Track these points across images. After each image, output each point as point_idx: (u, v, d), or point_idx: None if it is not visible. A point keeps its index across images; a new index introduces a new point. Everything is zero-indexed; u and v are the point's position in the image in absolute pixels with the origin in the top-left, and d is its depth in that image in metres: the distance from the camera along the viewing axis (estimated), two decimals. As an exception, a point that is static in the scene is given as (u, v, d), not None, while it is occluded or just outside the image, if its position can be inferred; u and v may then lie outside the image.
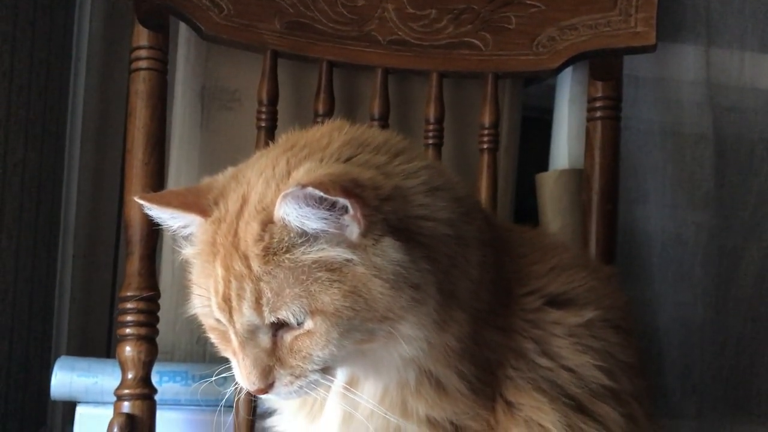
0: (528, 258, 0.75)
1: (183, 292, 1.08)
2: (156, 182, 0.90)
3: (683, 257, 1.22)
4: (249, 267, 0.60)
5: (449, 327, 0.65)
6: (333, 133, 0.68)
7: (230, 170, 0.69)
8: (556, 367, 0.70)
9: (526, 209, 1.21)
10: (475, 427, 0.69)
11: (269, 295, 0.59)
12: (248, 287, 0.60)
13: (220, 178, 0.68)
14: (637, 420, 0.74)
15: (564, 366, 0.71)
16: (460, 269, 0.66)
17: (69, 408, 1.03)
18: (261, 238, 0.60)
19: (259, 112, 0.99)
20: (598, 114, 1.03)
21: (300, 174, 0.61)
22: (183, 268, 1.08)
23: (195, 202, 0.65)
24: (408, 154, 0.68)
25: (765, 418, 1.25)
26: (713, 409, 1.23)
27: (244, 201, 0.63)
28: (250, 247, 0.60)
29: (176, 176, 1.08)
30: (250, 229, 0.60)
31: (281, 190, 0.60)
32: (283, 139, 0.71)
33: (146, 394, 0.87)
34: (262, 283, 0.60)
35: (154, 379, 0.90)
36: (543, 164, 1.23)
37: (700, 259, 1.24)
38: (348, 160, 0.64)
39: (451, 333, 0.65)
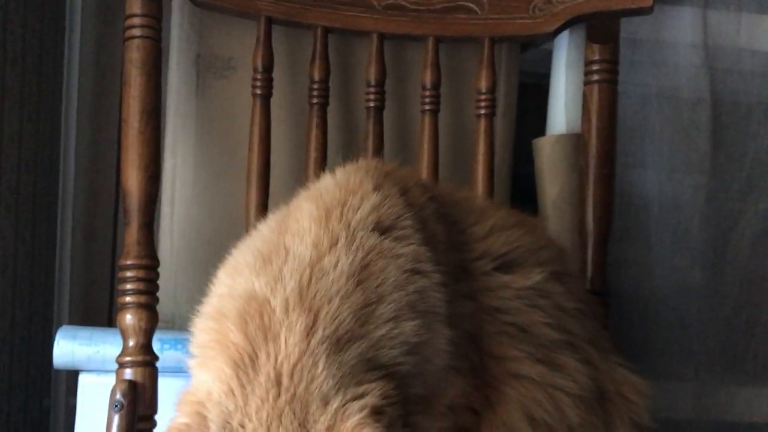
0: (465, 221, 0.76)
1: (182, 260, 1.10)
2: (152, 151, 0.90)
3: (680, 221, 1.23)
4: None
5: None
6: (295, 325, 0.60)
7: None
8: (513, 326, 0.72)
9: (525, 175, 1.21)
10: (463, 402, 0.70)
11: None
12: None
13: None
14: (593, 362, 0.77)
15: (516, 325, 0.72)
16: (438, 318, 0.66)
17: (73, 380, 1.04)
18: None
19: (255, 79, 0.99)
20: (595, 77, 1.02)
21: None
22: (182, 237, 1.10)
23: None
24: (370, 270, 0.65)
25: (761, 379, 1.27)
26: (710, 370, 1.24)
27: None
28: None
29: (173, 146, 1.08)
30: None
31: None
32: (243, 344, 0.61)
33: (147, 361, 0.88)
34: None
35: (156, 346, 0.91)
36: (542, 131, 1.22)
37: (697, 222, 1.24)
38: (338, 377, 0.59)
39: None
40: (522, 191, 1.19)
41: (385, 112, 1.03)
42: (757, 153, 1.24)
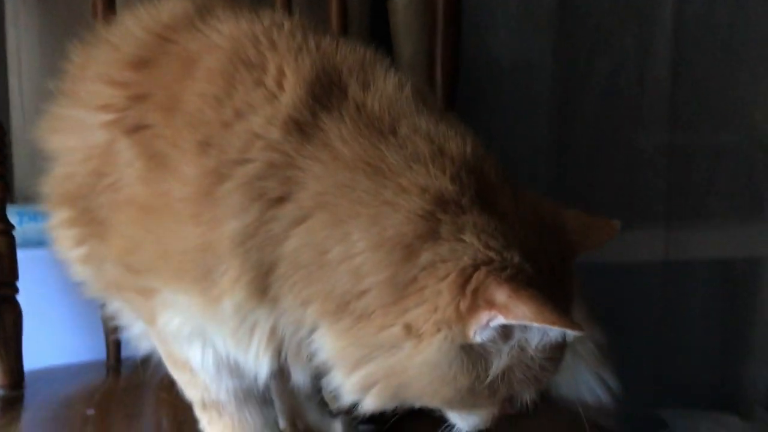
0: None
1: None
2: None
3: (531, 81, 1.29)
4: None
5: None
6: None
7: None
8: None
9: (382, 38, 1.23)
10: None
11: None
12: None
13: None
14: None
15: None
16: None
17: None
18: None
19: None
20: (441, -65, 1.03)
21: None
22: (34, 112, 1.07)
23: None
24: None
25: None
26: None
27: None
28: None
29: (14, 14, 1.04)
30: None
31: None
32: None
33: (2, 230, 0.88)
34: None
35: (15, 220, 0.91)
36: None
37: (548, 81, 1.31)
38: None
39: None
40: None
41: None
42: (603, 11, 1.30)
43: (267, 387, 0.68)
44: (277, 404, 0.73)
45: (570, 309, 0.59)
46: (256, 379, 0.64)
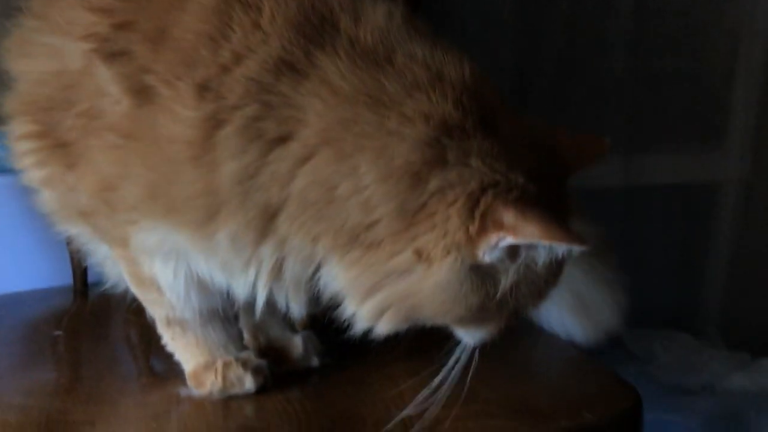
0: None
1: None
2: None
3: (494, 6, 1.28)
4: None
5: None
6: None
7: None
8: None
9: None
10: None
11: None
12: None
13: None
14: None
15: None
16: None
17: None
18: None
19: None
20: None
21: None
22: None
23: None
24: None
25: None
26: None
27: None
28: None
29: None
30: None
31: None
32: None
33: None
34: None
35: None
36: None
37: (511, 6, 1.30)
38: None
39: None
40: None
41: None
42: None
43: (231, 305, 0.70)
44: (241, 319, 0.75)
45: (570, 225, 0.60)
46: (253, 305, 0.65)
